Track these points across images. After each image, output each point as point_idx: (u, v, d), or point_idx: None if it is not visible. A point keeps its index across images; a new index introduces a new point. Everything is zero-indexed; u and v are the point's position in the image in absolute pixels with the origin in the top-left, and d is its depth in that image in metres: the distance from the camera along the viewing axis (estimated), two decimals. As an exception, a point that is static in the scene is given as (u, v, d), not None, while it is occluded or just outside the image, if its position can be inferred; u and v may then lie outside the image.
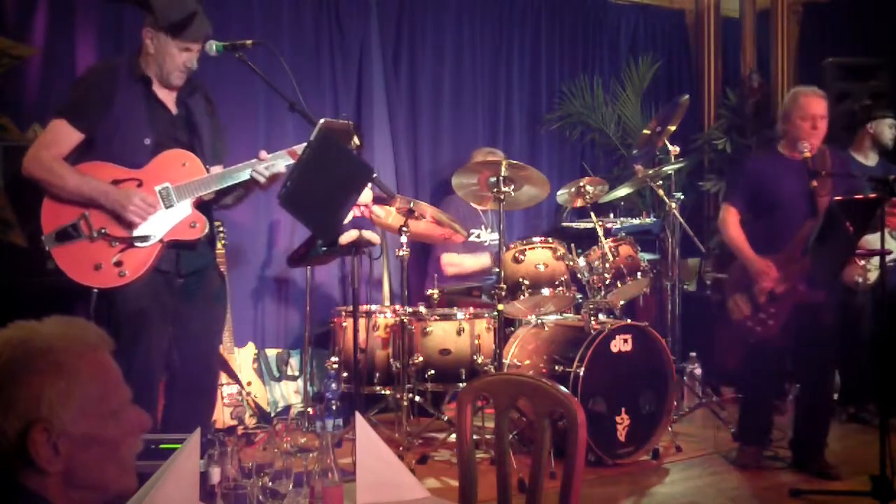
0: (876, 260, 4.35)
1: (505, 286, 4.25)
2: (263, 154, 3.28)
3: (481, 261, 5.22)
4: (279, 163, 3.26)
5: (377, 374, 4.53)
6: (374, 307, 4.79)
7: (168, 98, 3.31)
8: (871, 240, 3.88)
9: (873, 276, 4.62)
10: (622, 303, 4.97)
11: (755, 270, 4.05)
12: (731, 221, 4.19)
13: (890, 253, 4.11)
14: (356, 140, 3.34)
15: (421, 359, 4.40)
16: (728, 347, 5.21)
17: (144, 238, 3.15)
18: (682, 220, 5.26)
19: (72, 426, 1.24)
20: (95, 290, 3.17)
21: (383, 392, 4.57)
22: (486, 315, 4.53)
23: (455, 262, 5.25)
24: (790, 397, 5.04)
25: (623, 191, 5.22)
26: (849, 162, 4.60)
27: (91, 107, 3.16)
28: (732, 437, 4.44)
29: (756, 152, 4.51)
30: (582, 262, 4.71)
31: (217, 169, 3.35)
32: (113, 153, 3.17)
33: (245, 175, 3.26)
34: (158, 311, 3.21)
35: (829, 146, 4.20)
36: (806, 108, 4.08)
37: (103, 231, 3.11)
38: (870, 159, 5.17)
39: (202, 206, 3.30)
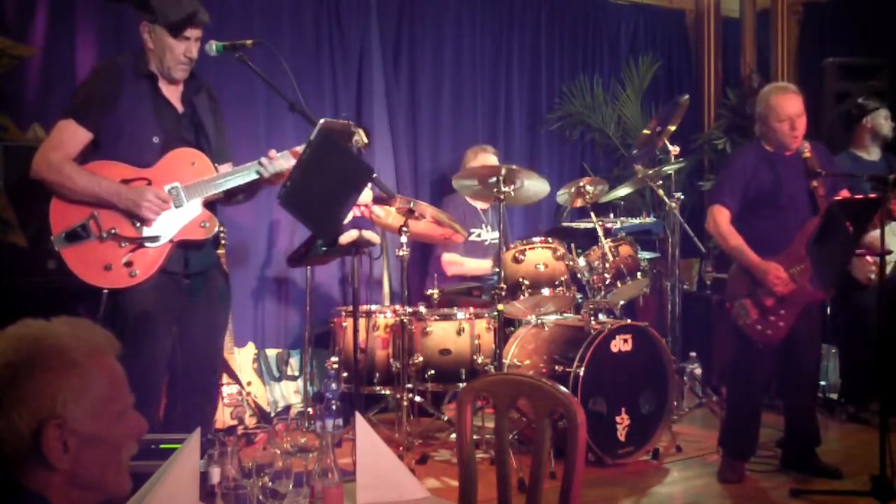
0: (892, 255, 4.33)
1: (505, 286, 4.25)
2: (273, 153, 3.26)
3: (482, 265, 5.22)
4: (282, 162, 3.25)
5: (377, 374, 4.52)
6: (374, 307, 4.78)
7: (174, 96, 3.30)
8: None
9: (889, 269, 4.60)
10: (622, 303, 4.97)
11: (764, 275, 3.84)
12: (723, 224, 3.96)
13: (890, 253, 4.10)
14: (364, 138, 3.33)
15: (421, 359, 4.40)
16: (728, 349, 5.17)
17: (154, 238, 3.14)
18: (682, 220, 5.26)
19: (82, 425, 1.26)
20: (105, 291, 3.15)
21: (383, 392, 4.56)
22: (486, 315, 4.53)
23: (456, 262, 5.25)
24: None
25: (623, 190, 5.22)
26: (830, 157, 4.44)
27: (97, 104, 3.15)
28: (718, 444, 4.19)
29: (744, 148, 4.39)
30: (582, 262, 4.70)
31: (225, 167, 3.35)
32: (121, 152, 3.16)
33: (254, 174, 3.25)
34: (165, 312, 3.21)
35: (810, 140, 4.01)
36: (780, 109, 3.91)
37: (113, 231, 3.10)
38: (872, 154, 5.17)
39: (209, 205, 3.29)
